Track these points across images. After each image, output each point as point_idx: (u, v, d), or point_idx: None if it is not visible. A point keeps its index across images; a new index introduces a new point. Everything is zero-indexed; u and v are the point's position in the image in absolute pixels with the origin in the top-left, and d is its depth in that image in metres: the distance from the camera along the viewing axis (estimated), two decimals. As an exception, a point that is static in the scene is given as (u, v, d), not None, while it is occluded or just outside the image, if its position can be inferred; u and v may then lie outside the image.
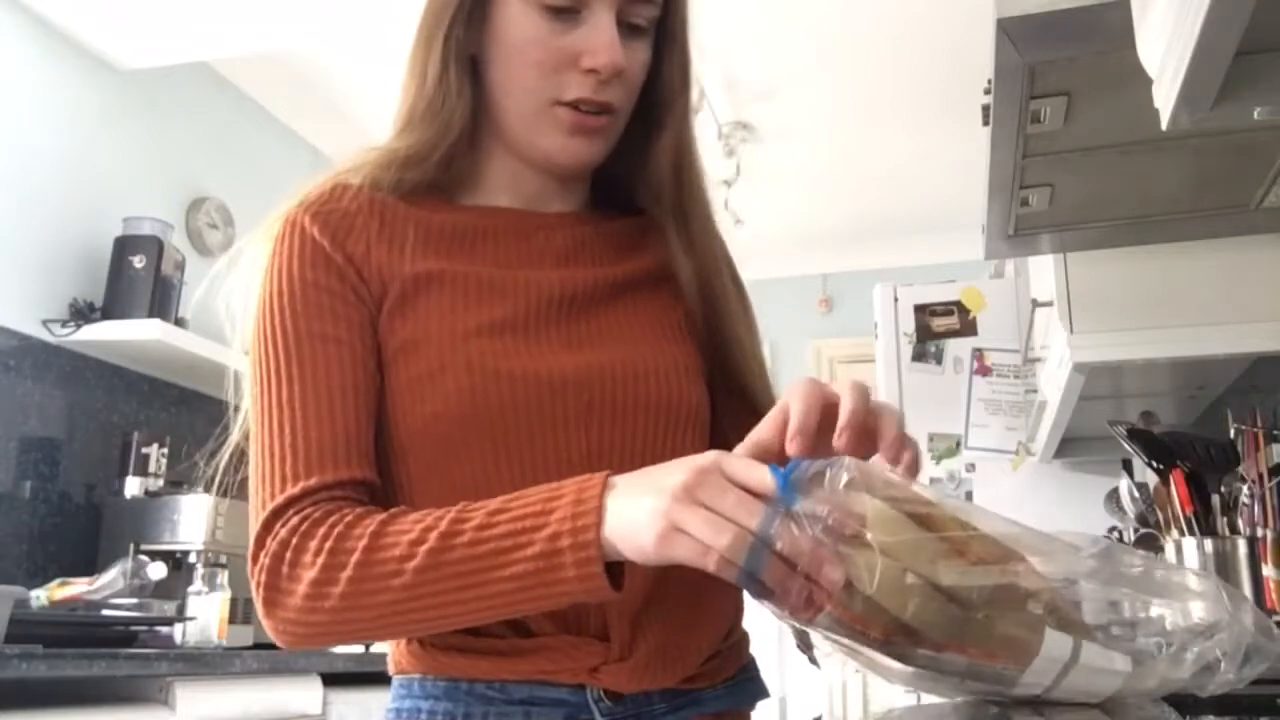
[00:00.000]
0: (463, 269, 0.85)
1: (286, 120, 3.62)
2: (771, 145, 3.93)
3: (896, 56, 3.34)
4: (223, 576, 2.46)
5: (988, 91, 1.28)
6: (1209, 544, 1.64)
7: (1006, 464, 3.07)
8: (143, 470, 2.76)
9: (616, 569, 0.69)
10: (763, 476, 0.64)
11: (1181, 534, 1.68)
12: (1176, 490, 1.70)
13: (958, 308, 3.16)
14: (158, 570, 2.41)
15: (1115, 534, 2.62)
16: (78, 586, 2.29)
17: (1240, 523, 1.66)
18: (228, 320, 0.89)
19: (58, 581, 2.30)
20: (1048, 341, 2.29)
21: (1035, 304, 2.23)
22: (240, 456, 0.84)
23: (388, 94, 0.93)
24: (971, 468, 3.08)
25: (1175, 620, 0.63)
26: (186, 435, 2.94)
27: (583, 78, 0.83)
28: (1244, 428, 1.73)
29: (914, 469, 0.69)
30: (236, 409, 0.86)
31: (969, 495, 3.08)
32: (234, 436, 0.87)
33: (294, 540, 0.74)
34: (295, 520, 0.75)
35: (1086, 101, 1.27)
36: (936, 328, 3.16)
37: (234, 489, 0.87)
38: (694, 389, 0.87)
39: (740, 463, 0.66)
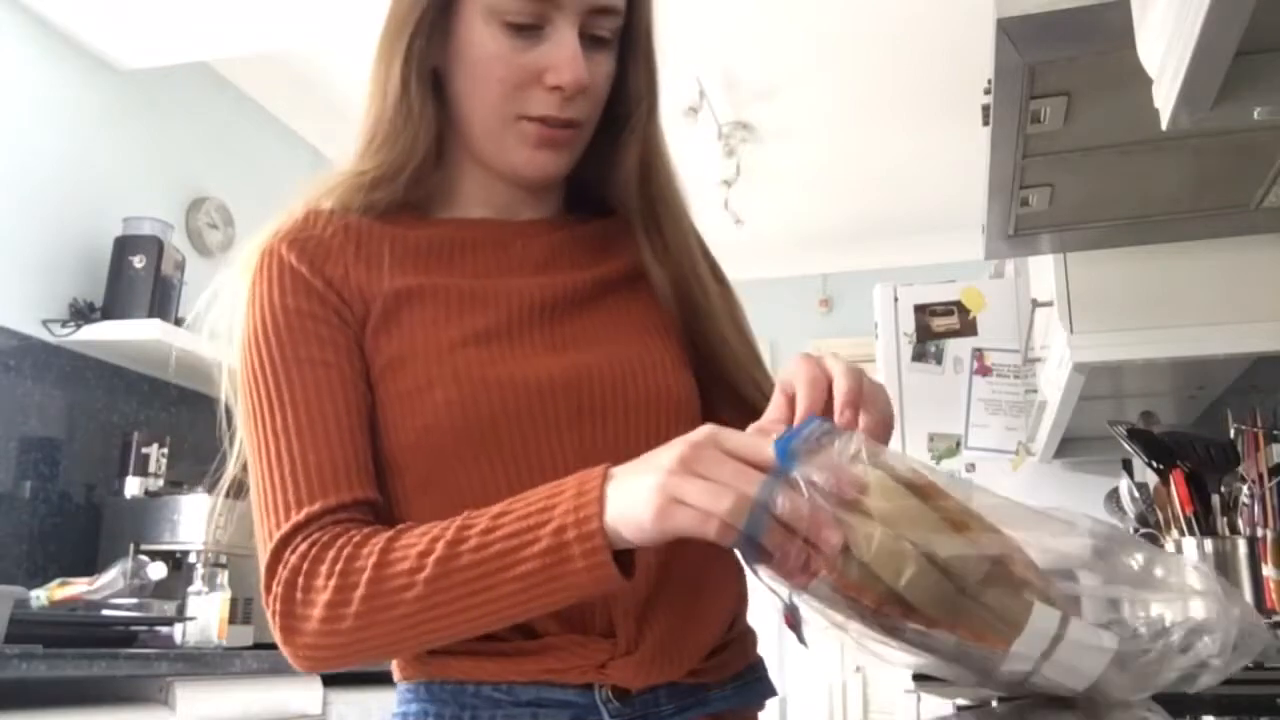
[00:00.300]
0: (443, 282, 0.85)
1: (286, 120, 3.62)
2: (771, 145, 3.93)
3: (896, 56, 3.34)
4: (223, 576, 2.46)
5: (988, 91, 1.28)
6: (1209, 544, 1.64)
7: (1006, 464, 3.07)
8: (143, 470, 2.76)
9: (626, 558, 0.70)
10: (760, 448, 0.65)
11: (1181, 534, 1.68)
12: (1176, 490, 1.71)
13: (958, 308, 3.16)
14: (158, 570, 2.41)
15: (1115, 534, 2.62)
16: (78, 586, 2.29)
17: (1240, 523, 1.66)
18: (213, 359, 0.89)
19: (58, 581, 2.30)
20: (1048, 341, 2.29)
21: (1035, 304, 2.23)
22: (243, 468, 0.84)
23: (387, 94, 0.92)
24: (971, 468, 3.08)
25: (1174, 619, 0.63)
26: (186, 435, 2.94)
27: (547, 94, 0.83)
28: (1244, 428, 1.73)
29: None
30: (230, 442, 0.86)
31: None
32: (230, 470, 0.87)
33: (305, 566, 0.74)
34: (304, 546, 0.75)
35: (1086, 101, 1.28)
36: (936, 328, 3.16)
37: (235, 490, 0.87)
38: (682, 381, 0.88)
39: (736, 435, 0.67)
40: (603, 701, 0.81)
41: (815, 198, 4.41)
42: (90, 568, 2.60)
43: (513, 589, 0.69)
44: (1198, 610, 0.63)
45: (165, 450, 2.81)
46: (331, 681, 2.45)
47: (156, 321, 2.74)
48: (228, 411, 0.86)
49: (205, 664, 2.16)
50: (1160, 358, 1.86)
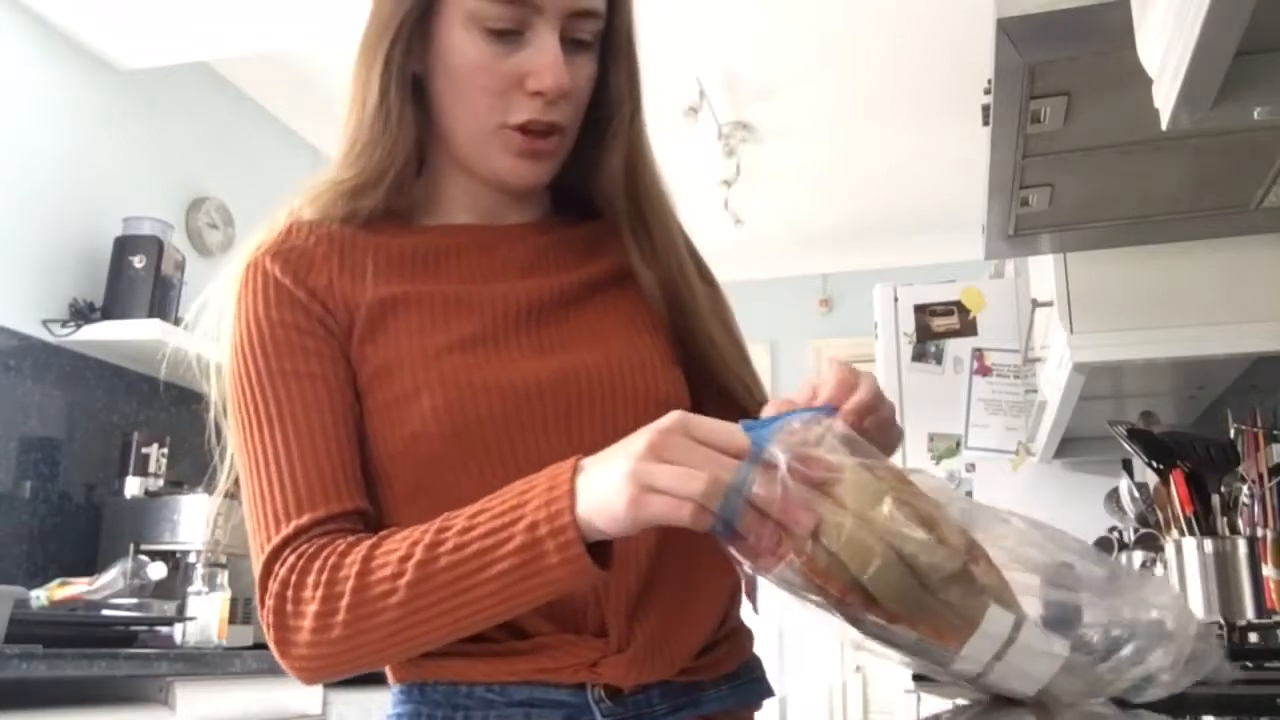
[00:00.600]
0: (428, 289, 0.85)
1: (286, 120, 3.62)
2: (771, 145, 3.93)
3: (896, 56, 3.34)
4: (223, 576, 2.46)
5: (988, 91, 1.28)
6: (1209, 544, 1.64)
7: (1006, 464, 3.07)
8: (143, 470, 2.76)
9: (602, 549, 0.70)
10: (729, 432, 0.66)
11: (1181, 534, 1.68)
12: (1176, 490, 1.70)
13: (958, 308, 3.16)
14: (158, 570, 2.41)
15: (1115, 534, 2.63)
16: (78, 586, 2.29)
17: (1240, 523, 1.66)
18: (200, 371, 0.89)
19: (58, 581, 2.30)
20: (1048, 341, 2.29)
21: (1035, 304, 2.23)
22: (234, 482, 0.85)
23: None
24: (971, 468, 3.08)
25: (1129, 631, 0.64)
26: (186, 435, 2.94)
27: (529, 100, 0.83)
28: (1244, 428, 1.73)
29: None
30: (220, 458, 0.87)
31: (969, 495, 3.07)
32: (221, 486, 0.87)
33: (293, 579, 0.75)
34: (292, 559, 0.76)
35: (1086, 101, 1.28)
36: (936, 328, 3.16)
37: (234, 491, 0.87)
38: (671, 379, 0.88)
39: (704, 421, 0.67)
40: (595, 701, 0.81)
41: (815, 197, 4.41)
42: (90, 568, 2.60)
43: (492, 588, 0.70)
44: (1154, 624, 0.63)
45: (165, 450, 2.82)
46: (331, 682, 2.45)
47: (156, 321, 2.74)
48: (217, 426, 0.86)
49: (205, 664, 2.16)
50: (1160, 358, 1.86)
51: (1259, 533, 1.63)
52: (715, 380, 0.91)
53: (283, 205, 0.90)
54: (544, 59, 0.82)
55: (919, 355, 3.16)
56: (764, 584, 0.68)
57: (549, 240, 0.92)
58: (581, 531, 0.67)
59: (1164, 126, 0.95)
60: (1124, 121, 1.33)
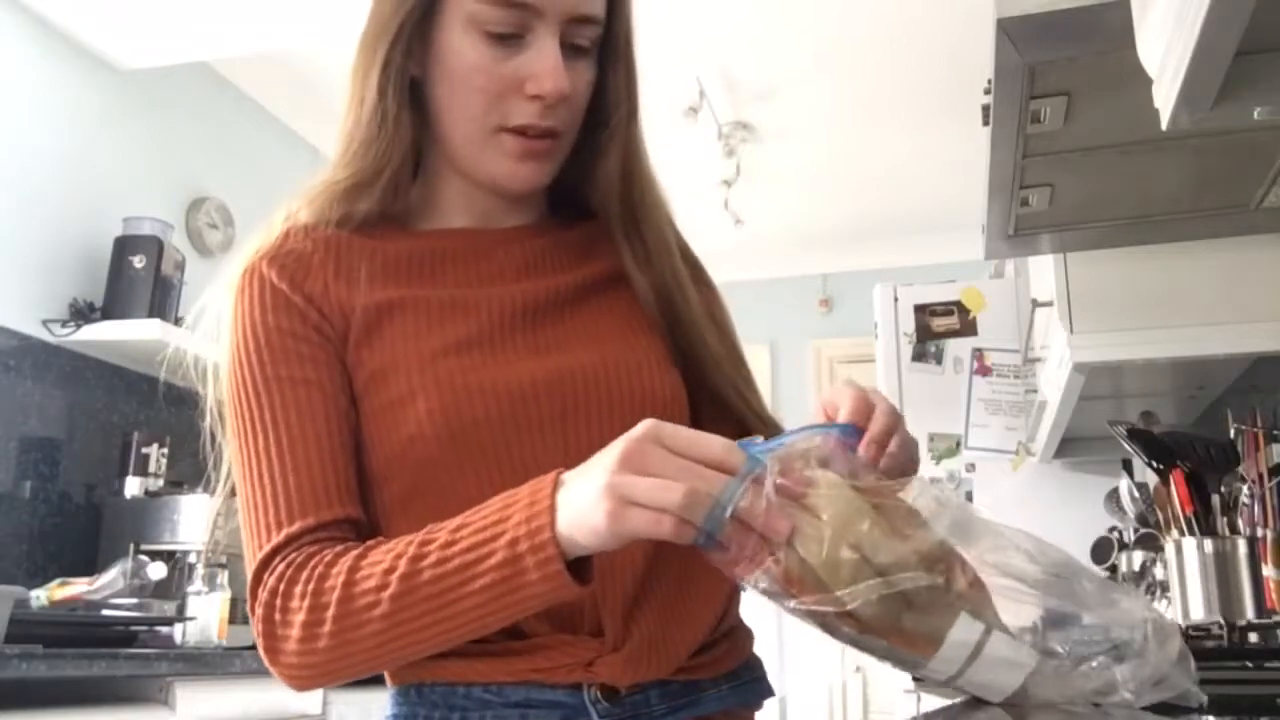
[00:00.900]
0: (423, 294, 0.86)
1: (286, 120, 3.62)
2: (771, 145, 3.93)
3: (895, 57, 3.34)
4: (223, 576, 2.46)
5: (988, 91, 1.28)
6: (1209, 544, 1.64)
7: (1006, 464, 3.07)
8: (143, 470, 2.76)
9: (584, 565, 0.70)
10: (705, 442, 0.66)
11: (1181, 534, 1.68)
12: (1176, 490, 1.70)
13: (958, 308, 3.16)
14: (158, 570, 2.41)
15: (1115, 534, 2.63)
16: (78, 586, 2.29)
17: (1240, 523, 1.66)
18: (197, 376, 0.89)
19: (58, 581, 2.30)
20: (1048, 341, 2.29)
21: (1035, 304, 2.23)
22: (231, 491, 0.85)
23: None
24: (971, 468, 3.08)
25: (1095, 636, 0.64)
26: (186, 435, 2.93)
27: (528, 103, 0.83)
28: (1244, 428, 1.73)
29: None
30: (217, 464, 0.87)
31: (969, 495, 3.08)
32: (218, 497, 0.87)
33: (281, 588, 0.75)
34: (281, 568, 0.76)
35: (1086, 101, 1.28)
36: (936, 328, 3.16)
37: (234, 491, 0.87)
38: (667, 380, 0.88)
39: (677, 430, 0.67)
40: (591, 702, 0.81)
41: (815, 198, 4.41)
42: (90, 568, 2.60)
43: (474, 603, 0.70)
44: (1127, 639, 0.64)
45: (165, 450, 2.82)
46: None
47: (156, 321, 2.74)
48: (212, 429, 0.87)
49: (205, 664, 2.16)
50: (1160, 358, 1.86)
51: (1259, 533, 1.63)
52: (708, 384, 0.91)
53: (280, 208, 0.90)
54: (544, 63, 0.82)
55: (919, 355, 3.16)
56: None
57: (545, 243, 0.92)
58: (562, 548, 0.67)
59: (1164, 126, 0.95)
60: (1124, 121, 1.33)
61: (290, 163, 3.57)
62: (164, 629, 2.33)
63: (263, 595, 0.76)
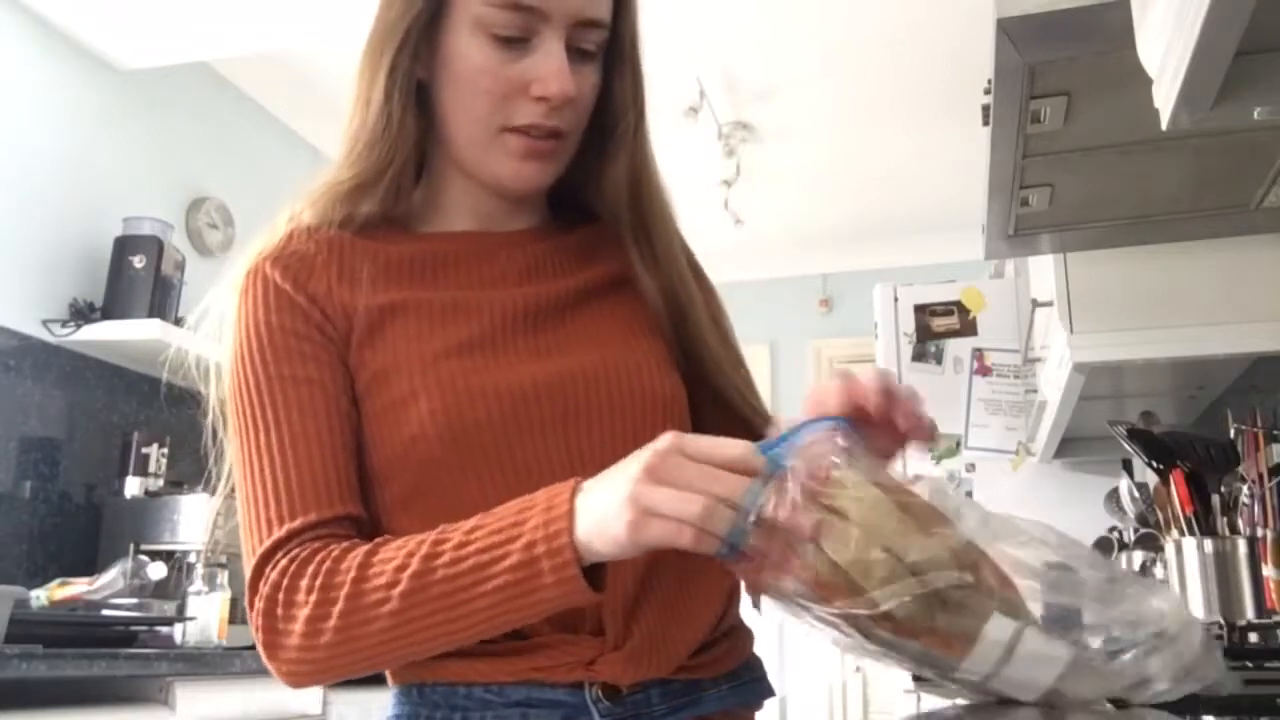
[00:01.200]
0: (426, 296, 0.86)
1: (286, 120, 3.62)
2: (771, 145, 3.93)
3: (896, 57, 3.34)
4: (223, 576, 2.46)
5: (988, 91, 1.28)
6: (1209, 544, 1.64)
7: (1006, 464, 3.07)
8: (143, 470, 2.76)
9: (597, 570, 0.70)
10: (730, 450, 0.66)
11: (1181, 534, 1.68)
12: (1176, 490, 1.70)
13: (958, 308, 3.16)
14: (158, 570, 2.41)
15: (1115, 534, 2.63)
16: (78, 586, 2.29)
17: (1240, 523, 1.66)
18: (199, 376, 0.90)
19: (58, 581, 2.30)
20: (1048, 341, 2.29)
21: (1035, 304, 2.23)
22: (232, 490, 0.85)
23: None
24: (971, 468, 3.08)
25: (1125, 630, 0.64)
26: (186, 435, 2.94)
27: (533, 105, 0.84)
28: (1244, 428, 1.73)
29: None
30: (218, 463, 0.87)
31: (969, 495, 3.08)
32: (219, 497, 0.88)
33: (285, 581, 0.75)
34: (284, 562, 0.76)
35: (1086, 101, 1.28)
36: (936, 328, 3.16)
37: (235, 491, 0.88)
38: (667, 380, 0.88)
39: (700, 439, 0.67)
40: (592, 701, 0.81)
41: (815, 198, 4.41)
42: (90, 568, 2.60)
43: (486, 603, 0.70)
44: (1156, 630, 0.64)
45: (165, 450, 2.82)
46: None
47: (156, 321, 2.74)
48: (214, 428, 0.87)
49: (205, 664, 2.16)
50: (1160, 358, 1.86)
51: (1259, 533, 1.63)
52: (710, 385, 0.91)
53: (283, 208, 0.90)
54: (550, 66, 0.82)
55: (919, 355, 3.16)
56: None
57: (547, 247, 0.92)
58: (579, 553, 0.68)
59: (1164, 126, 0.95)
60: (1124, 121, 1.33)
61: (290, 163, 3.57)
62: (164, 629, 2.33)
63: (264, 589, 0.76)
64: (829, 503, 0.63)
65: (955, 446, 3.08)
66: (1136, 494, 2.25)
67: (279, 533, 0.77)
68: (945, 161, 3.82)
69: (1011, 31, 1.12)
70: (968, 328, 3.14)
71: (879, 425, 0.71)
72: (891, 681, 3.37)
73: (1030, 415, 2.92)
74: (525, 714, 0.80)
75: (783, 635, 4.29)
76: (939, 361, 3.15)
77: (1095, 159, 1.45)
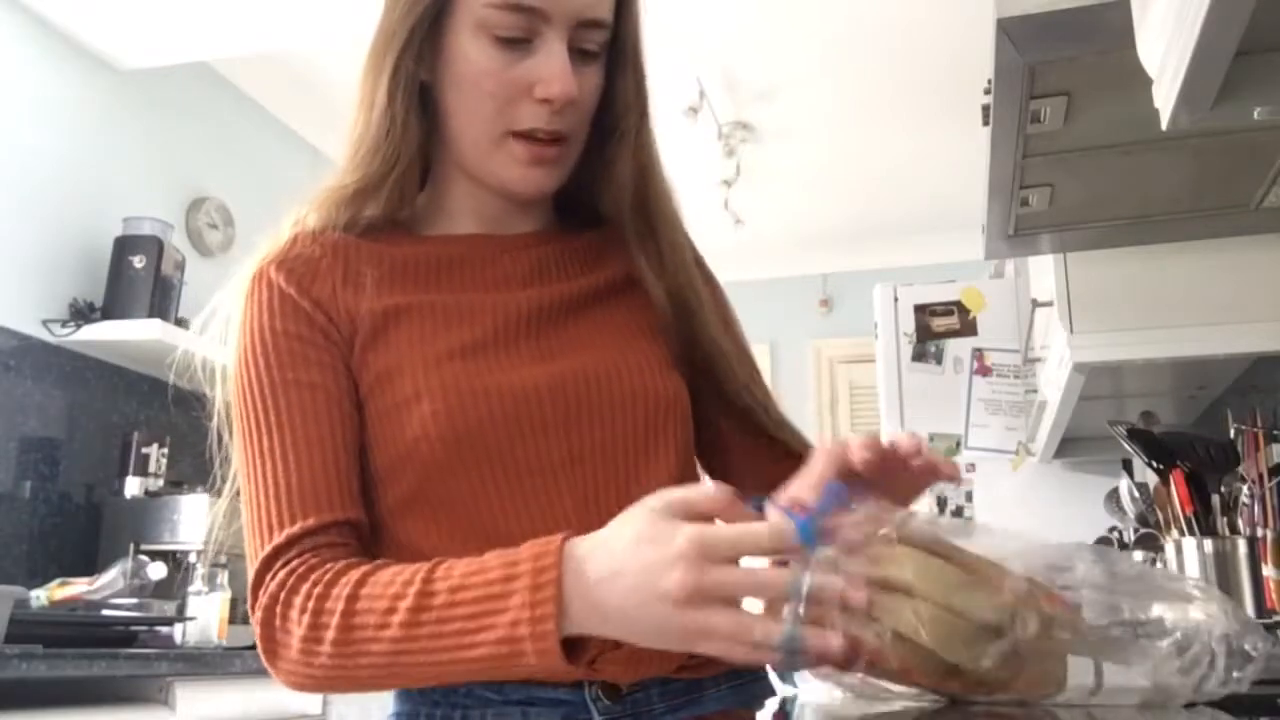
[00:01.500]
0: (430, 299, 0.86)
1: (286, 120, 3.62)
2: (771, 145, 3.93)
3: (896, 57, 3.34)
4: (223, 576, 2.46)
5: (988, 91, 1.28)
6: (1209, 544, 1.64)
7: (1006, 464, 3.07)
8: (143, 470, 2.76)
9: (581, 639, 0.69)
10: (758, 539, 0.63)
11: (1181, 534, 1.68)
12: (1176, 490, 1.71)
13: (958, 308, 3.16)
14: (158, 570, 2.41)
15: (1115, 534, 2.63)
16: (78, 586, 2.29)
17: (1240, 523, 1.66)
18: (205, 379, 0.90)
19: (58, 581, 2.30)
20: (1048, 341, 2.29)
21: (1035, 304, 2.23)
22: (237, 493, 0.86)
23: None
24: (971, 468, 3.08)
25: (1175, 620, 0.64)
26: (187, 435, 2.94)
27: (536, 107, 0.84)
28: (1244, 428, 1.74)
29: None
30: (222, 465, 0.87)
31: (969, 495, 3.08)
32: (224, 500, 0.88)
33: (282, 595, 0.76)
34: (283, 574, 0.76)
35: (1086, 101, 1.28)
36: (936, 328, 3.16)
37: (236, 491, 0.88)
38: (668, 381, 0.88)
39: (725, 537, 0.63)
40: (592, 699, 0.81)
41: (815, 198, 4.41)
42: (90, 568, 2.60)
43: (469, 666, 0.70)
44: (1198, 614, 0.63)
45: (165, 450, 2.82)
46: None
47: (156, 321, 2.74)
48: (218, 430, 0.87)
49: (205, 664, 2.16)
50: (1160, 358, 1.86)
51: (1259, 533, 1.63)
52: (724, 392, 0.92)
53: (288, 212, 0.90)
54: (552, 67, 0.82)
55: (919, 355, 3.16)
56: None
57: (552, 250, 0.92)
58: (561, 636, 0.67)
59: (1164, 126, 0.95)
60: (1124, 121, 1.33)
61: (290, 163, 3.57)
62: (164, 629, 2.33)
63: (263, 599, 0.76)
64: (882, 577, 0.60)
65: (955, 446, 3.08)
66: (1136, 494, 2.25)
67: (279, 538, 0.77)
68: (945, 161, 3.82)
69: (1011, 31, 1.12)
70: (968, 328, 3.14)
71: (878, 478, 0.71)
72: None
73: (1030, 415, 2.92)
74: (525, 712, 0.81)
75: (783, 635, 4.28)
76: (939, 361, 3.15)
77: (1095, 159, 1.45)
